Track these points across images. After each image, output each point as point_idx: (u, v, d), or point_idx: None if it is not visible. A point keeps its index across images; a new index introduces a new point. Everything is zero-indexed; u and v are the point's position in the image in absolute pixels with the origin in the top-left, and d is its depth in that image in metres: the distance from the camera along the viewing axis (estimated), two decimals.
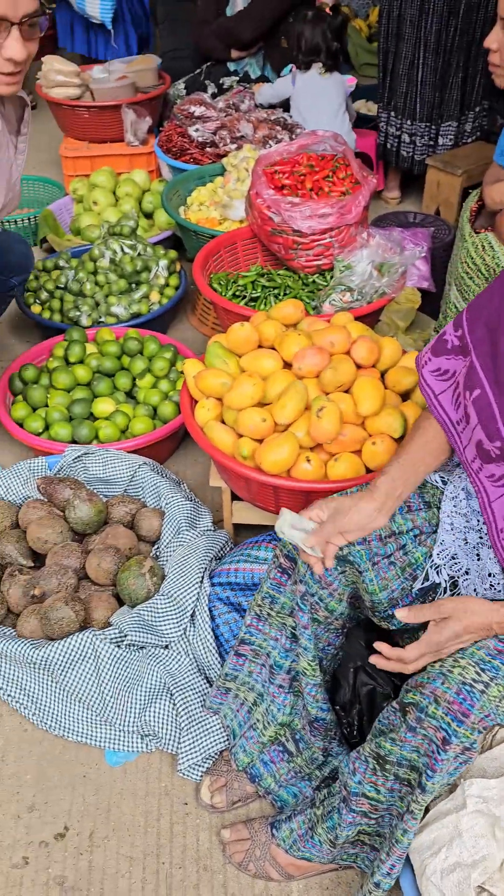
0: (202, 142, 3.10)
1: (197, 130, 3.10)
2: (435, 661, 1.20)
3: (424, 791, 1.16)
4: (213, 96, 3.56)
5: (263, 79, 3.69)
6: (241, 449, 1.65)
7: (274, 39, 3.59)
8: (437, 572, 1.29)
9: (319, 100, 3.16)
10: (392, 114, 3.43)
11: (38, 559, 1.96)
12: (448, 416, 1.25)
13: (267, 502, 1.76)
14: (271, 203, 2.32)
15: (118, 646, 1.66)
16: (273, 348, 1.83)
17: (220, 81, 3.69)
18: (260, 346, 1.84)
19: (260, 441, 1.67)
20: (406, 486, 1.27)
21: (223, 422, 1.78)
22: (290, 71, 3.27)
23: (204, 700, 1.63)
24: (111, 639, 1.66)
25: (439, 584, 1.30)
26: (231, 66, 3.73)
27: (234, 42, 3.58)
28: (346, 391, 1.70)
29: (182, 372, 2.43)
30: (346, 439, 1.64)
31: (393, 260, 2.19)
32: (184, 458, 2.40)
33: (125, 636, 1.67)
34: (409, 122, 3.40)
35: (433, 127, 3.40)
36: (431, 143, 3.44)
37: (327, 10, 3.17)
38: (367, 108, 4.01)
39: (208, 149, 3.10)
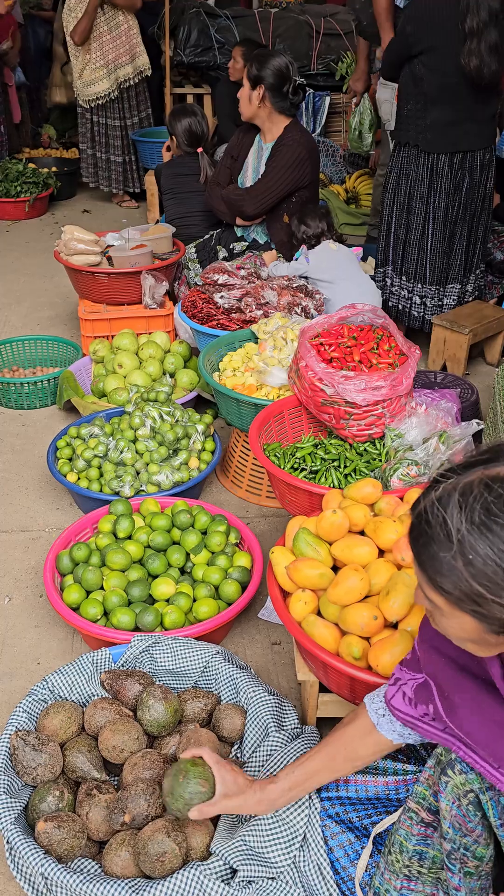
0: (228, 308, 3.17)
1: (222, 297, 3.18)
2: None
3: None
4: (225, 259, 3.70)
5: (268, 246, 3.87)
6: (352, 649, 1.56)
7: (276, 214, 3.79)
8: None
9: (337, 270, 3.30)
10: (403, 278, 3.61)
11: (108, 766, 1.78)
12: None
13: None
14: (324, 376, 2.34)
15: (228, 884, 1.47)
16: (362, 533, 1.78)
17: (231, 247, 3.85)
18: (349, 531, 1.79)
19: (366, 638, 1.58)
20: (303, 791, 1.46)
21: (319, 613, 1.69)
22: (302, 254, 3.44)
23: None
24: (217, 874, 1.47)
25: None
26: (238, 232, 3.91)
27: (238, 213, 3.78)
28: None
29: (236, 545, 2.35)
30: None
31: (454, 431, 2.20)
32: (239, 636, 2.28)
33: (233, 870, 1.49)
34: (419, 286, 3.57)
35: (441, 289, 3.58)
36: (440, 304, 3.61)
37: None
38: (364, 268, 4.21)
39: (234, 315, 3.16)
